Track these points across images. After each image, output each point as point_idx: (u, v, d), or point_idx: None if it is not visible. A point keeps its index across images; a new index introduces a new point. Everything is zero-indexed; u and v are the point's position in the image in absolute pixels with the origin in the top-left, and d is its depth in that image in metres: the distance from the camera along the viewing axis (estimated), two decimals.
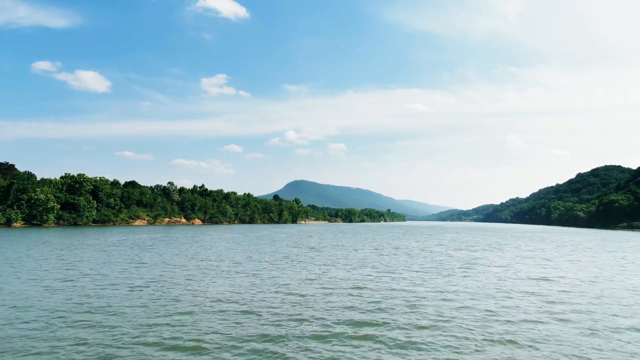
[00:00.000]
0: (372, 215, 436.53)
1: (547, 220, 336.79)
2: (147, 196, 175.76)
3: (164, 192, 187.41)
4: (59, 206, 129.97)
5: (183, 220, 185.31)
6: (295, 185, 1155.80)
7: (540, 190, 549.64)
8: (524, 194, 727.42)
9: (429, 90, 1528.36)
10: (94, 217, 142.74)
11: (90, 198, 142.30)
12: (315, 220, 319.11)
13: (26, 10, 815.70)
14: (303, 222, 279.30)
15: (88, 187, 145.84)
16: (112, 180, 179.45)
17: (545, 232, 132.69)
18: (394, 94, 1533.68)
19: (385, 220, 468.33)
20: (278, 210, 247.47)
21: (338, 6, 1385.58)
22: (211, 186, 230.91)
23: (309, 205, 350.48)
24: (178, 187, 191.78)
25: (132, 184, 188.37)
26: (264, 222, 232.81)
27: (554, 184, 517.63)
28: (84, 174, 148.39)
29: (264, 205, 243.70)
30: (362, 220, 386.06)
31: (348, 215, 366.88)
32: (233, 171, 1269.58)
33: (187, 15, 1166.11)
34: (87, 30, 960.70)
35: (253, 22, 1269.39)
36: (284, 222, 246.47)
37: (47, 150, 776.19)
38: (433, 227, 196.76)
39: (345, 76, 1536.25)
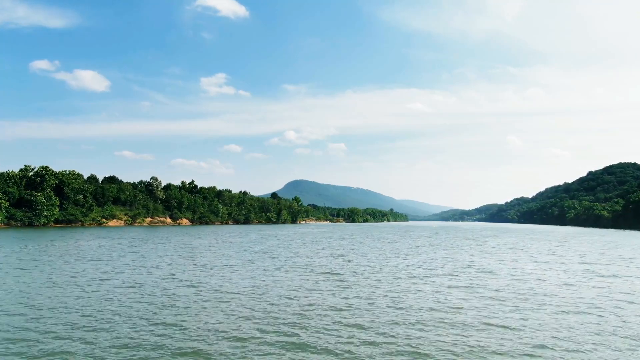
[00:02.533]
0: (375, 215, 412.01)
1: (561, 221, 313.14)
2: (127, 193, 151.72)
3: (147, 188, 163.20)
4: (8, 203, 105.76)
5: (168, 220, 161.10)
6: (295, 185, 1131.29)
7: (547, 189, 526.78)
8: (525, 193, 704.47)
9: (429, 90, 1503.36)
10: (56, 216, 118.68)
11: (52, 194, 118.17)
12: (316, 220, 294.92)
13: (25, 10, 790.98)
14: (303, 222, 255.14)
15: (52, 182, 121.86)
16: (89, 175, 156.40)
17: (590, 235, 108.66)
18: (393, 93, 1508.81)
19: (388, 220, 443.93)
20: (276, 209, 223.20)
21: (337, 6, 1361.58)
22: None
23: (309, 205, 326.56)
24: (162, 184, 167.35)
25: (112, 180, 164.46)
26: (260, 223, 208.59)
27: (561, 183, 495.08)
28: (47, 167, 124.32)
29: (260, 204, 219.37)
30: (365, 220, 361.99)
31: (351, 215, 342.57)
32: (233, 171, 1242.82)
33: (186, 15, 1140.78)
34: (86, 30, 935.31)
35: (252, 21, 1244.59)
36: (283, 222, 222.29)
37: (46, 151, 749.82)
38: (449, 228, 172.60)
39: (345, 76, 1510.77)
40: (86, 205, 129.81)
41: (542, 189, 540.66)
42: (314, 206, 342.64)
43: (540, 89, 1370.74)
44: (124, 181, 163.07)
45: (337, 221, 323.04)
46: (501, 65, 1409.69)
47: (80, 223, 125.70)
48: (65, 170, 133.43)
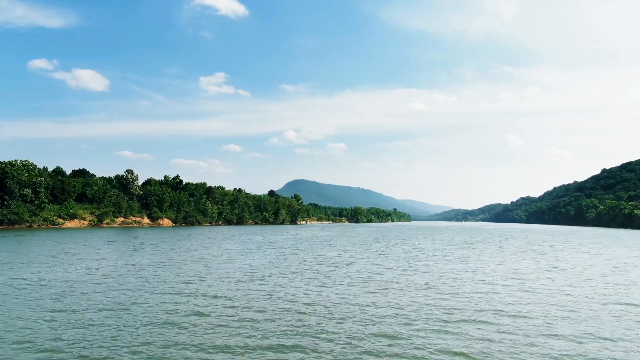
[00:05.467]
0: (379, 214, 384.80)
1: (579, 221, 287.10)
2: (95, 188, 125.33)
3: (121, 183, 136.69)
4: None
5: (146, 220, 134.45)
6: (295, 184, 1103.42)
7: (555, 188, 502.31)
8: (528, 192, 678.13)
9: (427, 90, 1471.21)
10: None
11: None
12: (317, 220, 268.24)
13: (23, 11, 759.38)
14: (304, 222, 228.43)
15: None
16: (54, 168, 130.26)
17: None
18: (392, 93, 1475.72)
19: (392, 220, 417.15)
20: (274, 208, 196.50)
21: (336, 6, 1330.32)
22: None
23: (310, 204, 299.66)
24: (139, 177, 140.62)
25: (81, 173, 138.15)
26: (256, 223, 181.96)
27: (570, 182, 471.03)
28: None
29: (256, 202, 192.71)
30: (369, 220, 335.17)
31: (354, 215, 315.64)
32: (233, 171, 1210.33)
33: (185, 14, 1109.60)
34: (84, 29, 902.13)
35: (252, 20, 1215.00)
36: (281, 223, 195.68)
37: (45, 150, 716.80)
38: (477, 230, 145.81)
39: (344, 76, 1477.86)
40: (37, 202, 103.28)
41: (545, 188, 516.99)
42: (315, 205, 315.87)
43: (538, 88, 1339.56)
44: (79, 173, 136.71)
45: (340, 221, 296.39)
46: (499, 65, 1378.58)
47: (27, 224, 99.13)
48: (15, 160, 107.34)
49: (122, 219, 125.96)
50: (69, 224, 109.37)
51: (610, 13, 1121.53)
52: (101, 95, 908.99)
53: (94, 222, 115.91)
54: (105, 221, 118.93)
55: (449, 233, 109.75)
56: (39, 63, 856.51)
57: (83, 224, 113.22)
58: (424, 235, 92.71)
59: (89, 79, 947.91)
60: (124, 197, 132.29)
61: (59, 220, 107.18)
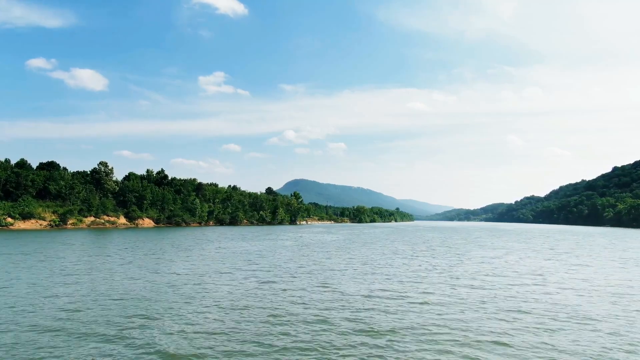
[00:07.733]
0: (383, 214, 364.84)
1: (594, 220, 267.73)
2: (61, 183, 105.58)
3: (93, 177, 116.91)
4: None
5: (122, 220, 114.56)
6: (295, 184, 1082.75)
7: (561, 187, 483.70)
8: (529, 192, 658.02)
9: (427, 90, 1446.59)
10: None
11: None
12: (318, 220, 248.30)
13: (21, 11, 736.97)
14: (304, 222, 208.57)
15: None
16: (18, 160, 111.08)
17: None
18: (391, 93, 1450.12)
19: (395, 220, 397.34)
20: (271, 206, 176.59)
21: (335, 5, 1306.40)
22: None
23: (310, 203, 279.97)
24: (114, 171, 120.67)
25: (50, 166, 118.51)
26: (251, 223, 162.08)
27: (574, 181, 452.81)
28: None
29: (252, 201, 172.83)
30: (373, 220, 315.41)
31: (357, 215, 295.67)
32: (233, 170, 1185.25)
33: (184, 13, 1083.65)
34: (83, 29, 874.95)
35: (251, 19, 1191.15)
36: (280, 223, 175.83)
37: (45, 151, 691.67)
38: (497, 230, 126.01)
39: (343, 76, 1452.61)
40: None
41: (546, 188, 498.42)
42: (316, 205, 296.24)
43: (538, 88, 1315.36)
44: (47, 166, 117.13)
45: (343, 221, 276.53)
46: (499, 65, 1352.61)
47: None
48: None
49: (92, 218, 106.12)
50: (22, 224, 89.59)
51: (610, 13, 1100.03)
52: (100, 95, 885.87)
53: (55, 222, 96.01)
54: (70, 221, 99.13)
55: (478, 236, 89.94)
56: (37, 62, 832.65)
57: (41, 225, 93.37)
58: (461, 240, 72.95)
59: (88, 78, 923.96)
60: (96, 193, 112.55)
61: (9, 220, 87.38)
